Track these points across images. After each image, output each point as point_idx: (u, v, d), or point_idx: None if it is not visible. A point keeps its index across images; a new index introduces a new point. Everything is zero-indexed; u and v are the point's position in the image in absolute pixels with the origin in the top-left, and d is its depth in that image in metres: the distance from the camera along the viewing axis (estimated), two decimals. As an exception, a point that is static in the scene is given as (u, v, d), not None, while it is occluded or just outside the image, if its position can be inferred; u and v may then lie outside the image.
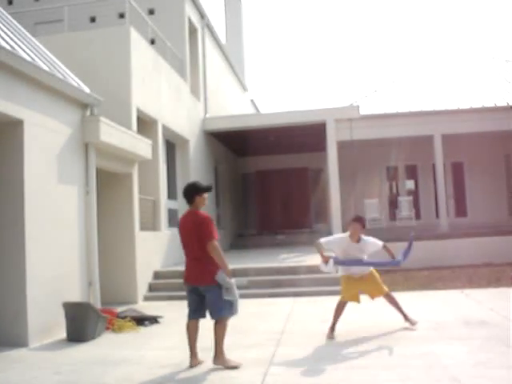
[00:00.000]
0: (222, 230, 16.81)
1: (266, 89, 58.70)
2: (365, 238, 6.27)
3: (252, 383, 4.55)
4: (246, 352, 5.56)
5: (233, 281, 5.03)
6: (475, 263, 11.81)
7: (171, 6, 13.20)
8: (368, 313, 7.38)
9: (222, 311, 4.98)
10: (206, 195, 5.20)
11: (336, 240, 6.35)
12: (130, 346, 6.25)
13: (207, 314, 5.14)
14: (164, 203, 11.33)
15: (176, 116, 12.31)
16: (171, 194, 12.32)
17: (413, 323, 6.33)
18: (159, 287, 9.92)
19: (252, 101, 25.54)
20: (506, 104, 14.09)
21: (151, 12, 13.02)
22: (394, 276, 10.58)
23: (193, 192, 5.14)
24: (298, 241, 15.85)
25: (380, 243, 6.34)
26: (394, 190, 18.10)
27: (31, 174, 6.47)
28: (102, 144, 7.98)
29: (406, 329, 6.26)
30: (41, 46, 7.94)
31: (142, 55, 10.32)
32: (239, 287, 9.55)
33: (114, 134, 8.22)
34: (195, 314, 5.15)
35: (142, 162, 9.92)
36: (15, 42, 6.79)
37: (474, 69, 17.63)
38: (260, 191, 19.77)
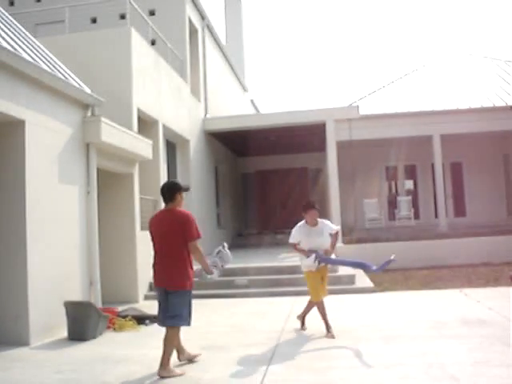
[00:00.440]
0: (222, 229, 16.85)
1: (266, 89, 58.73)
2: (320, 220, 6.39)
3: (252, 381, 4.58)
4: (245, 351, 5.59)
5: (214, 272, 5.08)
6: (474, 263, 11.84)
7: (172, 6, 13.23)
8: (367, 312, 7.43)
9: (181, 320, 4.85)
10: (183, 196, 5.14)
11: (300, 231, 6.37)
12: (131, 345, 6.28)
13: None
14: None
15: (176, 116, 12.34)
16: (171, 194, 12.33)
17: (333, 336, 6.08)
18: (160, 287, 9.93)
19: (252, 101, 25.57)
20: (504, 104, 14.13)
21: (152, 13, 13.05)
22: (393, 275, 10.64)
23: (175, 190, 5.05)
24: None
25: (335, 227, 6.47)
26: (394, 190, 18.15)
27: (32, 174, 6.50)
28: (103, 144, 8.01)
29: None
30: (42, 46, 7.97)
31: (142, 56, 10.35)
32: (239, 286, 9.68)
33: (115, 134, 8.26)
34: None
35: (143, 162, 9.95)
36: (16, 43, 6.82)
37: (473, 69, 17.66)
38: (260, 191, 19.80)
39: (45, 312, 6.54)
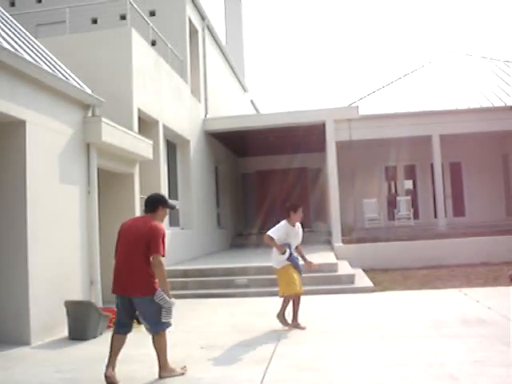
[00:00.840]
0: (222, 229, 16.88)
1: (266, 89, 58.73)
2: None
3: (252, 381, 4.59)
4: (245, 350, 5.60)
5: (172, 300, 4.73)
6: (473, 262, 11.87)
7: (172, 7, 13.27)
8: (367, 312, 7.44)
9: (163, 325, 4.75)
10: (166, 211, 5.06)
11: (283, 229, 6.70)
12: (132, 344, 6.24)
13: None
14: (164, 203, 11.35)
15: (177, 116, 12.36)
16: (172, 194, 12.36)
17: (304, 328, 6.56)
18: (160, 286, 9.94)
19: (252, 101, 25.59)
20: (503, 104, 14.16)
21: (152, 14, 13.08)
22: (393, 275, 10.67)
23: (159, 203, 4.97)
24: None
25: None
26: (393, 190, 18.18)
27: (33, 174, 6.51)
28: (104, 144, 8.03)
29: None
30: (42, 47, 7.98)
31: (143, 56, 10.37)
32: (239, 286, 9.69)
33: (116, 135, 8.27)
34: (123, 327, 4.86)
35: (143, 162, 9.96)
36: (17, 43, 6.83)
37: (472, 69, 17.69)
38: (260, 191, 19.83)
39: (45, 311, 6.55)
